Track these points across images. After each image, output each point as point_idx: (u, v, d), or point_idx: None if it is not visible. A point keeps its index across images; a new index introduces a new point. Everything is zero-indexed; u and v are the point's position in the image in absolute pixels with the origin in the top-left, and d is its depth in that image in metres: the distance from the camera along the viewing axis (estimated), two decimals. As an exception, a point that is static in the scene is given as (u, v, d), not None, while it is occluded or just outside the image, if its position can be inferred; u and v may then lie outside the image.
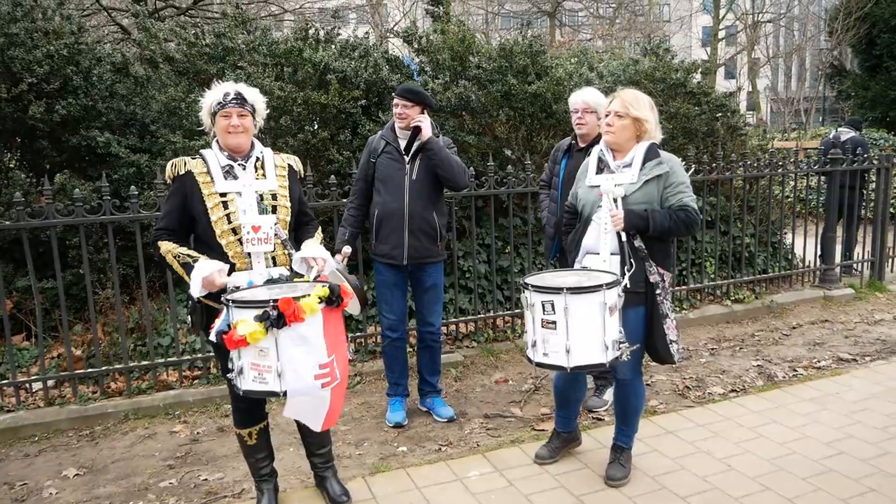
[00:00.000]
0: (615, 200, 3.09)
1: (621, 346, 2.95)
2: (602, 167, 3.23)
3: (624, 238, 3.07)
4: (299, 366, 2.55)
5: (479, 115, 5.58)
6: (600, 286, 2.87)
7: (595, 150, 3.30)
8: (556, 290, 2.87)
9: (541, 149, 5.74)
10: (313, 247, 2.95)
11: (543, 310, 2.91)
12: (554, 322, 2.88)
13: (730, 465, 3.52)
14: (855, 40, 18.07)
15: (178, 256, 2.80)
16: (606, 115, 3.18)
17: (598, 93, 4.13)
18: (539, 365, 3.00)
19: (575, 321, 2.86)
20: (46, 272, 4.85)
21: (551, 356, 2.92)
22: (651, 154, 3.14)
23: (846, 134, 8.02)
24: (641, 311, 3.12)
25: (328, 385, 2.62)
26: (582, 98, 4.08)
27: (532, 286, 2.94)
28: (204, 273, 2.70)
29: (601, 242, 3.13)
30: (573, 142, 4.19)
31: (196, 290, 2.71)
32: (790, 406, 4.23)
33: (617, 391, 3.39)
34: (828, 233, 6.90)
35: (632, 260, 3.06)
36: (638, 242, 3.08)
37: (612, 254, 3.11)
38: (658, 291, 3.10)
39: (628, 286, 3.00)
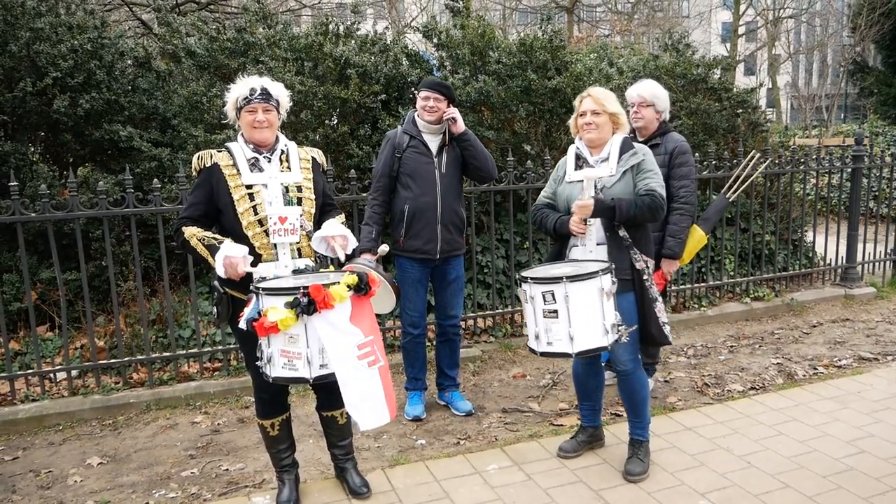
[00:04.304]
0: (597, 189, 3.21)
1: (619, 328, 3.07)
2: (581, 164, 3.36)
3: (599, 226, 3.20)
4: (338, 347, 2.58)
5: (499, 111, 5.57)
6: (597, 272, 2.99)
7: (571, 148, 3.42)
8: (556, 280, 2.99)
9: (560, 144, 5.72)
10: (334, 225, 2.98)
11: (544, 300, 3.02)
12: (555, 311, 3.00)
13: (749, 462, 3.50)
14: (878, 36, 17.79)
15: (204, 239, 2.83)
16: (582, 115, 3.29)
17: (654, 85, 4.08)
18: (544, 354, 3.11)
19: (576, 308, 2.98)
20: (69, 264, 4.92)
21: (555, 344, 3.04)
22: (626, 146, 3.28)
23: None
24: (631, 297, 3.24)
25: (374, 364, 2.65)
26: (637, 92, 4.05)
27: (531, 279, 3.06)
28: (228, 252, 2.73)
29: (587, 234, 3.25)
30: (632, 135, 4.15)
31: (219, 268, 2.75)
32: (811, 404, 4.20)
33: (620, 384, 3.44)
34: (851, 231, 6.81)
35: (617, 247, 3.20)
36: (622, 232, 3.20)
37: (597, 244, 3.24)
38: (645, 277, 3.23)
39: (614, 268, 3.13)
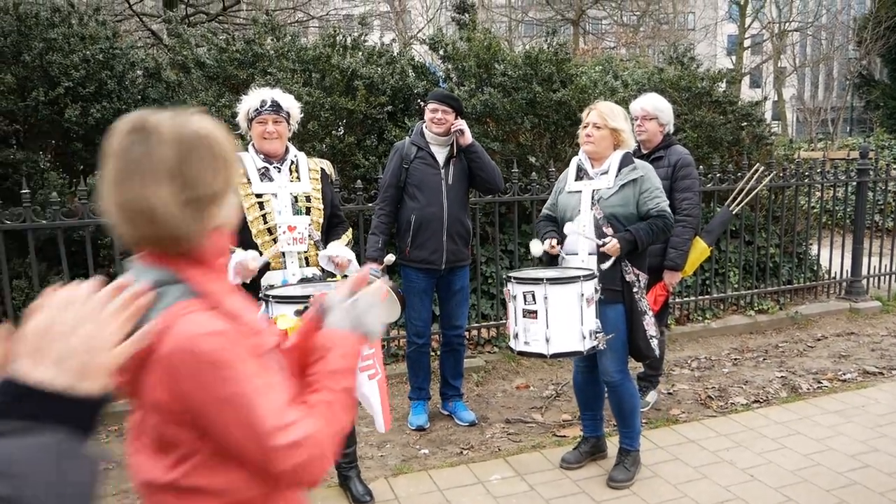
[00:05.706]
0: (595, 200, 3.26)
1: (597, 335, 3.12)
2: (581, 175, 3.42)
3: (592, 236, 3.27)
4: None
5: (504, 123, 5.61)
6: (578, 277, 3.08)
7: (574, 160, 3.49)
8: (537, 281, 3.08)
9: (565, 156, 5.75)
10: (338, 247, 3.02)
11: (525, 300, 3.10)
12: (535, 311, 3.08)
13: (752, 475, 3.51)
14: (884, 50, 17.84)
15: None
16: (584, 127, 3.36)
17: (657, 98, 4.13)
18: (521, 353, 3.20)
19: (554, 310, 3.05)
20: (78, 271, 4.95)
21: (532, 344, 3.12)
22: (626, 161, 3.34)
23: None
24: (620, 309, 3.27)
25: (374, 377, 2.68)
26: (641, 105, 4.10)
27: (514, 278, 3.18)
28: (238, 258, 2.78)
29: (579, 245, 3.33)
30: (636, 147, 4.18)
31: (231, 276, 2.79)
32: (814, 418, 4.20)
33: (609, 395, 3.47)
34: (856, 244, 6.81)
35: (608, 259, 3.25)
36: None
37: (589, 254, 3.30)
38: (635, 290, 3.27)
39: (602, 282, 3.18)
